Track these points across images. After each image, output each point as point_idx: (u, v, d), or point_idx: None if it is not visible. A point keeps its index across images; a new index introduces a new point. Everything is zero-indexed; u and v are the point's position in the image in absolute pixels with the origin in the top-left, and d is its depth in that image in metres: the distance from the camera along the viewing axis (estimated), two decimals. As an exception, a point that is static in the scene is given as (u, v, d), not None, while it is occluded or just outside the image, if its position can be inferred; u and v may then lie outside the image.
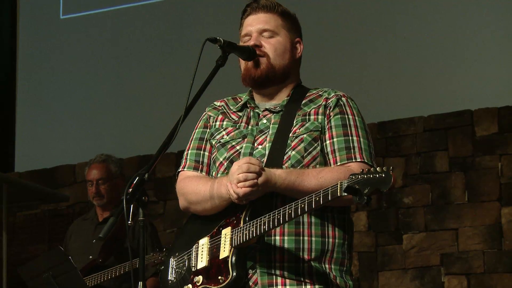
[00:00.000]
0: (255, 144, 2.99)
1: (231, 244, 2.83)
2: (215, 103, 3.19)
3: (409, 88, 6.20)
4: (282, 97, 3.08)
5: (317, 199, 2.66)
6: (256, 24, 3.08)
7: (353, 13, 6.46)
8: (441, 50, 6.13)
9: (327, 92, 3.06)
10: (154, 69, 7.01)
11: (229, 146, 3.03)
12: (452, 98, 6.07)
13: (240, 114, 3.11)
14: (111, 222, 2.70)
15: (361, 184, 2.54)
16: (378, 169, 2.55)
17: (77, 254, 5.02)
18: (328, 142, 2.96)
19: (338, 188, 2.60)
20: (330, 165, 2.94)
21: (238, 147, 3.01)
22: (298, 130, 2.97)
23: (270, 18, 3.08)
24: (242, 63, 3.08)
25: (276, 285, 2.86)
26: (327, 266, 2.90)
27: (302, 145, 2.95)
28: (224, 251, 2.84)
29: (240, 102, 3.14)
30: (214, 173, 3.05)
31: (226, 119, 3.11)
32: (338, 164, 2.92)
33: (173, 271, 3.02)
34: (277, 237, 2.87)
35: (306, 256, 2.87)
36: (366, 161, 2.92)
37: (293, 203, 2.72)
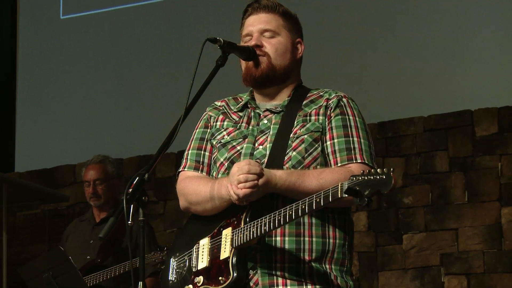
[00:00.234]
0: (256, 145, 2.99)
1: (231, 244, 2.83)
2: (216, 103, 3.19)
3: (409, 88, 6.20)
4: (283, 97, 3.08)
5: (318, 200, 2.66)
6: (257, 24, 3.08)
7: (353, 13, 6.46)
8: (441, 50, 6.13)
9: (328, 92, 3.06)
10: (154, 69, 7.01)
11: (229, 146, 3.03)
12: (452, 98, 6.07)
13: (241, 114, 3.10)
14: (111, 222, 2.70)
15: (362, 186, 2.54)
16: (378, 170, 2.55)
17: (74, 254, 5.03)
18: (328, 143, 2.96)
19: (339, 190, 2.60)
20: (331, 166, 2.94)
21: (238, 148, 3.01)
22: (299, 131, 2.97)
23: (271, 18, 3.08)
24: (243, 63, 3.08)
25: (277, 285, 2.86)
26: (327, 266, 2.90)
27: (302, 145, 2.95)
28: (225, 252, 2.84)
29: (241, 102, 3.13)
30: (214, 173, 3.05)
31: (227, 119, 3.11)
32: (339, 165, 2.92)
33: (174, 271, 3.02)
34: (278, 238, 2.87)
35: (306, 257, 2.87)
36: (366, 162, 2.92)
37: (294, 204, 2.72)
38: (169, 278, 3.03)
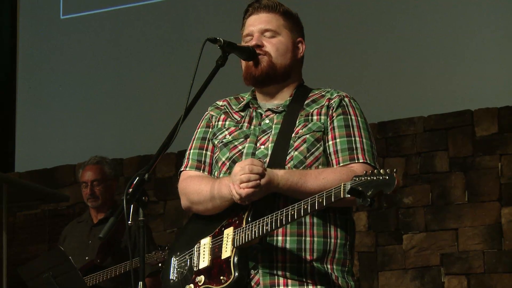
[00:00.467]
0: (258, 144, 2.99)
1: (233, 244, 2.83)
2: (218, 102, 3.19)
3: (409, 88, 6.20)
4: (284, 97, 3.08)
5: (320, 200, 2.66)
6: (258, 24, 3.08)
7: (353, 13, 6.46)
8: (441, 50, 6.13)
9: (330, 92, 3.06)
10: (154, 69, 7.01)
11: (231, 146, 3.03)
12: (452, 98, 6.07)
13: (242, 114, 3.10)
14: (111, 222, 2.70)
15: (364, 186, 2.54)
16: (381, 171, 2.55)
17: (72, 255, 5.02)
18: (330, 142, 2.96)
19: (342, 190, 2.60)
20: (333, 165, 2.93)
21: (240, 147, 3.01)
22: (300, 131, 2.97)
23: (272, 18, 3.08)
24: (243, 62, 3.08)
25: (278, 285, 2.86)
26: (329, 266, 2.90)
27: (304, 145, 2.94)
28: (226, 251, 2.84)
29: (242, 101, 3.13)
30: (216, 173, 3.05)
31: (229, 119, 3.11)
32: (341, 164, 2.92)
33: (175, 271, 3.02)
34: (279, 238, 2.87)
35: (308, 257, 2.87)
36: (368, 162, 2.92)
37: (296, 204, 2.72)
38: (170, 277, 3.03)
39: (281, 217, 2.74)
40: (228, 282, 2.81)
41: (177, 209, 6.64)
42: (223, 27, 6.34)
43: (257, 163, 2.82)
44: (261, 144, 2.99)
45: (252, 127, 3.05)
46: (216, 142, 3.08)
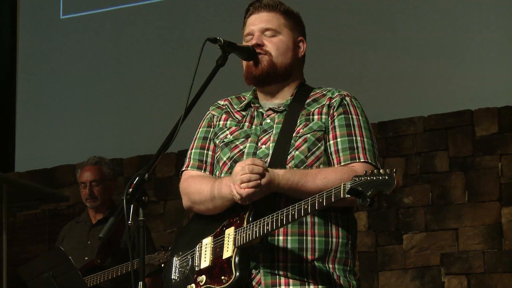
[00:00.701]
0: (259, 144, 2.99)
1: (234, 244, 2.83)
2: (219, 102, 3.19)
3: (409, 88, 6.20)
4: (285, 96, 3.08)
5: (320, 200, 2.65)
6: (258, 23, 3.08)
7: (353, 13, 6.46)
8: (441, 50, 6.13)
9: (331, 91, 3.06)
10: (154, 69, 7.01)
11: (232, 145, 3.03)
12: (452, 98, 6.07)
13: (244, 113, 3.10)
14: (111, 222, 2.70)
15: (364, 186, 2.54)
16: (381, 171, 2.55)
17: (71, 256, 5.01)
18: (331, 142, 2.96)
19: (341, 190, 2.60)
20: (334, 165, 2.93)
21: (241, 147, 3.01)
22: (301, 130, 2.97)
23: (272, 17, 3.08)
24: (244, 62, 3.07)
25: (280, 285, 2.85)
26: (330, 266, 2.90)
27: (305, 145, 2.94)
28: (227, 251, 2.84)
29: (244, 101, 3.13)
30: (217, 172, 3.05)
31: (230, 119, 3.11)
32: (342, 164, 2.92)
33: (177, 270, 3.02)
34: (281, 237, 2.87)
35: (309, 256, 2.87)
36: (369, 161, 2.92)
37: (297, 204, 2.72)
38: (172, 277, 3.03)
39: (282, 217, 2.73)
40: (229, 282, 2.81)
41: (177, 209, 6.64)
42: (223, 27, 6.34)
43: (258, 162, 2.82)
44: (262, 144, 2.99)
45: (253, 126, 3.04)
46: (217, 142, 3.08)
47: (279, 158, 2.92)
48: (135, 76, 7.08)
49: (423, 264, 5.97)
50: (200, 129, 3.16)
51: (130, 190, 2.69)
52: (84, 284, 4.93)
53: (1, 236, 5.57)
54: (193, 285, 2.92)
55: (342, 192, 2.60)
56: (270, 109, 3.06)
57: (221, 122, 3.11)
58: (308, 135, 2.96)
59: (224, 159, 3.02)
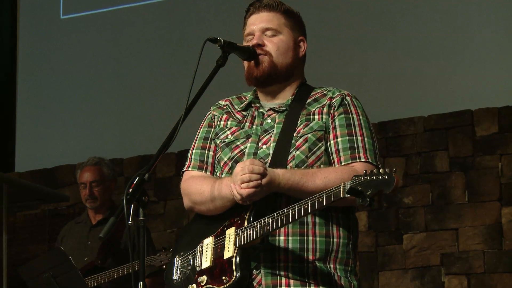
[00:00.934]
0: (260, 144, 2.99)
1: (235, 244, 2.83)
2: (220, 102, 3.19)
3: (409, 88, 6.20)
4: (286, 96, 3.08)
5: (320, 200, 2.65)
6: (258, 23, 3.08)
7: (353, 13, 6.46)
8: (441, 50, 6.13)
9: (332, 91, 3.06)
10: (154, 69, 7.01)
11: (233, 146, 3.03)
12: (452, 98, 6.07)
13: (244, 113, 3.10)
14: (112, 222, 2.70)
15: (364, 186, 2.54)
16: (381, 170, 2.55)
17: (70, 256, 5.01)
18: (332, 142, 2.96)
19: (341, 190, 2.60)
20: (334, 165, 2.93)
21: (242, 147, 3.01)
22: (302, 130, 2.97)
23: (273, 16, 3.08)
24: (245, 62, 3.07)
25: (280, 285, 2.85)
26: (331, 266, 2.90)
27: (306, 145, 2.94)
28: (228, 251, 2.84)
29: (244, 101, 3.13)
30: (218, 173, 3.05)
31: (231, 119, 3.11)
32: (343, 164, 2.92)
33: (178, 271, 3.02)
34: (282, 237, 2.87)
35: (310, 256, 2.87)
36: (370, 161, 2.92)
37: (297, 204, 2.72)
38: (173, 277, 3.03)
39: (282, 217, 2.73)
40: (230, 282, 2.81)
41: (177, 209, 6.64)
42: (223, 27, 6.35)
43: (257, 163, 2.82)
44: (263, 144, 2.99)
45: (254, 126, 3.04)
46: (218, 142, 3.08)
47: (279, 158, 2.92)
48: (135, 76, 7.08)
49: (423, 264, 5.97)
50: (201, 129, 3.16)
51: (130, 190, 2.69)
52: (85, 284, 4.93)
53: (1, 236, 5.57)
54: (194, 285, 2.92)
55: (342, 192, 2.60)
56: (270, 109, 3.06)
57: (222, 122, 3.11)
58: (309, 135, 2.96)
59: (225, 159, 3.02)
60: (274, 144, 2.96)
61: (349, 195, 2.57)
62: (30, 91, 7.45)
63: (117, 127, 7.08)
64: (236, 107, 3.14)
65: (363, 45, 6.36)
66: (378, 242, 6.12)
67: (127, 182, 2.73)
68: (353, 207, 3.01)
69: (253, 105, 3.10)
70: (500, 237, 5.82)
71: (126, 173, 6.86)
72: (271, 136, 2.99)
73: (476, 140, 5.97)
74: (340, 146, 2.94)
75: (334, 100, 3.01)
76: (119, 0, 7.20)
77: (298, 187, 2.83)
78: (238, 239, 2.83)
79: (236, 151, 3.01)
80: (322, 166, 2.93)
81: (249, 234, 2.80)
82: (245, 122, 3.07)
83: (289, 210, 2.72)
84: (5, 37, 7.75)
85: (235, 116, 3.11)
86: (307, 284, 2.86)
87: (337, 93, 3.04)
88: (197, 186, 3.01)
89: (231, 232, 2.86)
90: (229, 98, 3.19)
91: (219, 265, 2.86)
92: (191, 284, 2.93)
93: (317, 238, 2.89)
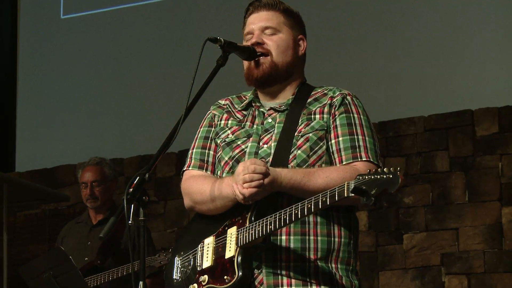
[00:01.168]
0: (261, 143, 2.99)
1: (236, 243, 2.83)
2: (220, 101, 3.19)
3: (409, 88, 6.20)
4: (286, 95, 3.08)
5: (324, 199, 2.65)
6: (258, 22, 3.08)
7: (353, 13, 6.46)
8: (441, 50, 6.13)
9: (332, 90, 3.06)
10: (154, 69, 7.01)
11: (234, 145, 3.02)
12: (453, 98, 6.07)
13: (245, 113, 3.10)
14: (112, 221, 2.70)
15: (368, 185, 2.54)
16: (385, 169, 2.55)
17: (70, 256, 5.02)
18: (333, 141, 2.96)
19: (345, 189, 2.60)
20: (336, 164, 2.93)
21: (243, 146, 3.00)
22: (303, 129, 2.97)
23: (272, 15, 3.09)
24: (245, 62, 3.07)
25: (282, 285, 2.85)
26: (333, 265, 2.90)
27: (307, 144, 2.94)
28: (230, 251, 2.84)
29: (245, 100, 3.13)
30: (219, 172, 3.05)
31: (231, 118, 3.10)
32: (344, 163, 2.92)
33: (178, 270, 3.01)
34: (283, 237, 2.87)
35: (312, 256, 2.87)
36: (371, 160, 2.92)
37: (300, 203, 2.71)
38: (174, 277, 3.02)
39: (285, 216, 2.73)
40: (232, 282, 2.80)
41: (177, 209, 6.64)
42: (224, 27, 6.35)
43: (260, 162, 2.82)
44: (264, 143, 2.99)
45: (255, 126, 3.04)
46: (218, 142, 3.08)
47: (281, 158, 2.92)
48: (135, 76, 7.08)
49: (423, 264, 5.97)
50: (201, 129, 3.15)
51: (131, 190, 2.69)
52: (85, 284, 4.93)
53: (1, 236, 5.57)
54: (195, 285, 2.92)
55: (346, 191, 2.60)
56: (271, 108, 3.06)
57: (222, 122, 3.11)
58: (310, 134, 2.96)
59: (226, 158, 3.02)
60: (275, 143, 2.96)
61: (353, 194, 2.57)
62: (30, 91, 7.45)
63: (117, 127, 7.08)
64: (236, 106, 3.13)
65: (363, 45, 6.36)
66: (378, 242, 6.12)
67: (127, 182, 2.72)
68: (353, 207, 3.01)
69: (253, 104, 3.10)
70: (500, 237, 5.82)
71: (126, 173, 6.86)
72: (272, 136, 2.99)
73: (476, 140, 5.97)
74: (341, 146, 2.94)
75: (335, 100, 3.01)
76: (119, 0, 7.20)
77: (300, 186, 2.83)
78: (240, 238, 2.82)
79: (237, 151, 3.01)
80: (323, 165, 2.93)
81: (251, 234, 2.79)
82: (246, 122, 3.07)
83: (292, 209, 2.72)
84: (5, 37, 7.75)
85: (235, 115, 3.11)
86: (309, 283, 2.86)
87: (338, 93, 3.04)
88: (197, 186, 3.01)
89: (232, 231, 2.86)
90: (229, 97, 3.19)
91: (221, 265, 2.86)
92: (192, 284, 2.93)
93: (319, 238, 2.88)
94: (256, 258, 2.86)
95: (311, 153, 2.94)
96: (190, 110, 2.87)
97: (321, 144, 2.95)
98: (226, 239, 2.87)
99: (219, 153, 3.06)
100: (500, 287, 5.77)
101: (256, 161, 2.83)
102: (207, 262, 2.90)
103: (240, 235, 2.83)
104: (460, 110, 6.02)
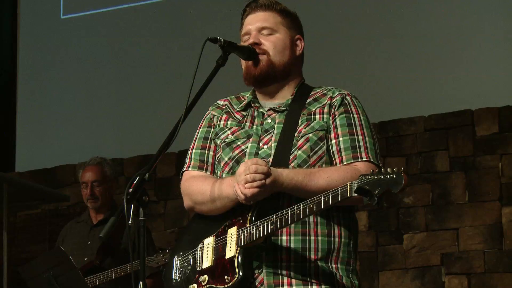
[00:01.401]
0: (261, 144, 2.99)
1: (237, 243, 2.83)
2: (219, 102, 3.19)
3: (409, 88, 6.20)
4: (285, 96, 3.08)
5: (326, 199, 2.65)
6: (255, 23, 3.08)
7: (353, 13, 6.46)
8: (441, 50, 6.13)
9: (332, 91, 3.06)
10: (154, 69, 7.01)
11: (234, 145, 3.02)
12: (453, 98, 6.07)
13: (244, 113, 3.10)
14: (112, 221, 2.69)
15: (372, 185, 2.54)
16: (388, 170, 2.55)
17: (71, 256, 5.02)
18: (333, 141, 2.96)
19: (348, 189, 2.60)
20: (336, 164, 2.93)
21: (243, 147, 3.00)
22: (303, 130, 2.97)
23: (269, 16, 3.09)
24: (243, 62, 3.08)
25: (282, 285, 2.85)
26: (333, 265, 2.90)
27: (308, 144, 2.94)
28: (230, 251, 2.83)
29: (243, 101, 3.13)
30: (219, 172, 3.05)
31: (231, 119, 3.11)
32: (344, 163, 2.92)
33: (177, 271, 3.01)
34: (284, 237, 2.87)
35: (312, 256, 2.87)
36: (372, 160, 2.92)
37: (302, 203, 2.72)
38: (173, 277, 3.02)
39: (286, 216, 2.73)
40: (232, 282, 2.80)
41: (177, 209, 6.64)
42: (223, 27, 6.34)
43: (261, 162, 2.82)
44: (264, 144, 2.99)
45: (255, 126, 3.04)
46: (218, 142, 3.08)
47: (281, 158, 2.92)
48: (135, 76, 7.07)
49: (423, 264, 5.97)
50: (200, 129, 3.15)
51: (131, 190, 2.69)
52: (85, 284, 4.93)
53: (1, 236, 5.57)
54: (195, 285, 2.91)
55: (349, 191, 2.60)
56: (270, 109, 3.06)
57: (222, 122, 3.11)
58: (310, 135, 2.96)
59: (226, 159, 3.02)
60: (275, 144, 2.96)
61: (356, 195, 2.57)
62: (30, 91, 7.45)
63: (117, 127, 7.08)
64: (235, 107, 3.13)
65: (363, 45, 6.35)
66: (378, 242, 6.12)
67: (127, 182, 2.72)
68: (353, 207, 3.01)
69: (252, 105, 3.10)
70: (500, 237, 5.82)
71: (127, 173, 6.86)
72: (272, 136, 2.99)
73: (477, 140, 5.97)
74: (341, 146, 2.94)
75: (334, 100, 3.02)
76: (119, 0, 7.20)
77: (301, 187, 2.83)
78: (241, 238, 2.82)
79: (237, 151, 3.00)
80: (324, 165, 2.93)
81: (252, 234, 2.79)
82: (245, 122, 3.07)
83: (294, 209, 2.72)
84: (5, 37, 7.75)
85: (234, 116, 3.11)
86: (309, 283, 2.86)
87: (337, 93, 3.04)
88: (198, 186, 3.01)
89: (232, 231, 2.86)
90: (228, 98, 3.19)
91: (221, 265, 2.86)
92: (192, 284, 2.93)
93: (319, 238, 2.89)
94: (257, 258, 2.85)
95: (311, 154, 2.94)
96: (190, 110, 2.87)
97: (321, 144, 2.96)
98: (226, 239, 2.87)
99: (219, 154, 3.06)
100: (500, 287, 5.76)
101: (258, 160, 2.83)
102: (207, 262, 2.90)
103: (241, 235, 2.82)
104: (460, 110, 6.02)
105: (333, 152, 2.95)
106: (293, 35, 3.11)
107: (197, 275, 2.92)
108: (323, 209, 2.69)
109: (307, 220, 2.88)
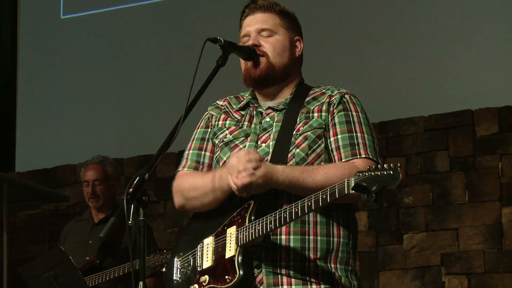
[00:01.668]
0: (259, 143, 2.99)
1: (237, 243, 2.83)
2: (218, 102, 3.19)
3: (409, 88, 6.20)
4: (284, 96, 3.08)
5: (324, 197, 2.65)
6: (254, 24, 3.08)
7: (353, 13, 6.46)
8: (441, 50, 6.13)
9: (330, 89, 3.06)
10: (154, 69, 7.01)
11: (232, 145, 3.02)
12: (453, 98, 6.07)
13: (242, 113, 3.10)
14: (112, 221, 2.69)
15: (369, 182, 2.54)
16: (385, 166, 2.55)
17: (72, 255, 5.02)
18: (332, 139, 2.96)
19: (346, 186, 2.59)
20: (335, 161, 2.92)
21: (241, 146, 3.00)
22: (302, 128, 2.96)
23: (268, 17, 3.09)
24: (243, 63, 3.08)
25: (282, 284, 2.85)
26: (332, 265, 2.90)
27: (306, 142, 2.94)
28: (230, 250, 2.83)
29: (242, 101, 3.13)
30: (217, 172, 3.05)
31: (229, 118, 3.11)
32: (343, 160, 2.91)
33: (178, 271, 3.01)
34: (283, 236, 2.87)
35: (311, 255, 2.87)
36: (370, 157, 2.92)
37: (300, 201, 2.71)
38: (174, 278, 3.02)
39: (285, 215, 2.73)
40: (233, 281, 2.80)
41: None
42: (223, 27, 6.33)
43: (253, 151, 2.83)
44: (262, 142, 2.99)
45: (253, 125, 3.04)
46: (216, 142, 3.08)
47: (279, 156, 2.92)
48: (135, 76, 7.08)
49: (423, 264, 5.97)
50: (198, 130, 3.15)
51: (131, 190, 2.69)
52: (85, 283, 4.93)
53: (1, 236, 5.57)
54: (196, 285, 2.91)
55: (346, 188, 2.59)
56: (269, 107, 3.06)
57: (220, 122, 3.11)
58: (309, 133, 2.96)
59: (224, 158, 3.02)
60: (274, 142, 2.96)
61: (353, 191, 2.57)
62: (30, 91, 7.45)
63: (117, 127, 7.08)
64: (234, 106, 3.14)
65: (363, 45, 6.36)
66: (378, 242, 6.12)
67: (127, 182, 2.72)
68: (353, 207, 3.01)
69: (251, 104, 3.10)
70: (500, 237, 5.82)
71: (127, 173, 6.86)
72: (270, 135, 2.99)
73: (477, 140, 5.97)
74: (340, 143, 2.94)
75: (333, 98, 3.02)
76: (119, 0, 7.20)
77: (298, 183, 2.82)
78: (240, 238, 2.82)
79: (236, 150, 3.00)
80: (322, 163, 2.92)
81: (251, 233, 2.79)
82: (244, 122, 3.07)
83: (292, 208, 2.72)
84: (5, 37, 7.75)
85: (233, 115, 3.11)
86: (309, 283, 2.86)
87: (336, 92, 3.04)
88: (189, 181, 3.01)
89: (232, 231, 2.86)
90: (227, 98, 3.19)
91: (221, 265, 2.86)
92: (193, 285, 2.93)
93: (318, 237, 2.88)
94: (256, 258, 2.85)
95: (309, 152, 2.93)
96: (190, 110, 2.87)
97: (320, 142, 2.95)
98: (225, 239, 2.87)
99: (217, 153, 3.06)
100: (500, 287, 5.76)
101: (250, 151, 2.84)
102: (207, 263, 2.90)
103: (240, 235, 2.82)
104: (460, 110, 6.02)
105: (332, 149, 2.95)
106: (292, 37, 3.11)
107: (198, 276, 2.92)
108: (322, 207, 2.69)
109: (306, 219, 2.87)
